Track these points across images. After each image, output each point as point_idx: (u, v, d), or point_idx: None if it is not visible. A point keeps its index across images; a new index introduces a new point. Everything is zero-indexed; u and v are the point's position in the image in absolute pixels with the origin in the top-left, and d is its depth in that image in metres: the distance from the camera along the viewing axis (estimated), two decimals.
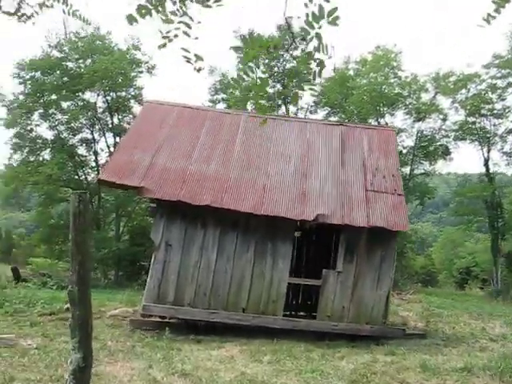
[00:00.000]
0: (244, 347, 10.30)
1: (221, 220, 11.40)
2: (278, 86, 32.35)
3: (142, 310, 11.26)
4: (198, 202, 11.13)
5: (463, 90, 28.96)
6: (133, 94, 27.49)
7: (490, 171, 29.36)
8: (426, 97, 31.16)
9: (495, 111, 28.33)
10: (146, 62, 27.87)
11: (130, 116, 27.98)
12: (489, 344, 12.42)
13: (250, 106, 29.75)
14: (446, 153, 31.22)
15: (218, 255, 11.35)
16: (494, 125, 28.96)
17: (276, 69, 32.13)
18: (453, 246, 47.48)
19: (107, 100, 27.26)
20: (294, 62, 31.62)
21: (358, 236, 11.63)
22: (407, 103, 30.95)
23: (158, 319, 11.54)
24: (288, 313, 13.05)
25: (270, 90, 32.01)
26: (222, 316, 11.17)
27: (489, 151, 29.23)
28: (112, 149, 27.72)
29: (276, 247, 11.49)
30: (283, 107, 31.75)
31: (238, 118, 13.48)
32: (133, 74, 27.12)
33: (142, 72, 27.86)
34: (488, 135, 28.94)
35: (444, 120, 31.44)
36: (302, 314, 13.95)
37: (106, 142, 29.20)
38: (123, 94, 27.43)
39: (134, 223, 28.88)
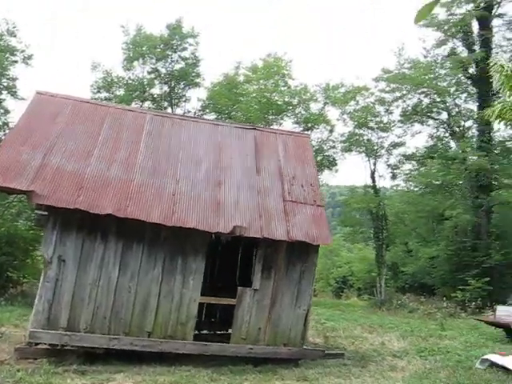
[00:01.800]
0: (138, 379, 8.86)
1: (124, 232, 9.87)
2: (165, 87, 30.79)
3: (28, 337, 9.40)
4: (98, 211, 9.52)
5: (352, 102, 29.52)
6: (5, 84, 24.52)
7: (376, 183, 30.18)
8: (315, 107, 31.37)
9: (381, 124, 29.13)
10: (23, 51, 25.05)
11: (1, 110, 24.97)
12: (395, 361, 12.17)
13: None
14: (332, 164, 31.59)
15: (120, 272, 9.80)
16: (380, 138, 29.78)
17: (163, 70, 30.58)
18: (330, 256, 48.64)
19: None
20: (183, 62, 30.44)
21: (276, 250, 10.69)
22: (296, 112, 30.89)
23: (49, 346, 9.68)
24: (204, 331, 11.95)
25: (157, 92, 30.55)
26: (124, 342, 9.63)
27: (375, 163, 30.04)
28: None
29: (187, 263, 10.19)
30: (169, 109, 30.30)
31: (143, 117, 11.99)
32: (6, 62, 24.22)
33: (16, 62, 24.98)
34: (375, 147, 29.70)
35: (331, 131, 31.86)
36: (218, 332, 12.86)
37: None
38: None
39: (2, 229, 25.77)
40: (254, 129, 13.07)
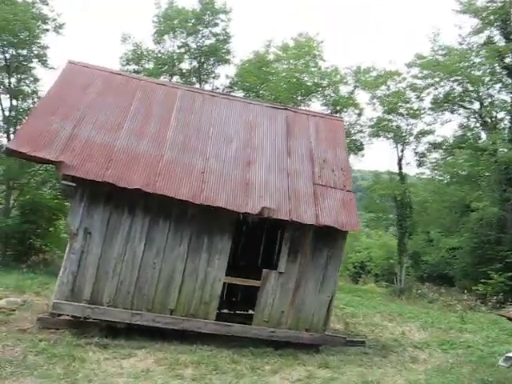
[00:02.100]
0: (160, 356, 8.84)
1: (151, 207, 9.77)
2: (195, 62, 30.51)
3: (51, 308, 9.39)
4: (126, 185, 9.41)
5: (383, 87, 28.97)
6: (36, 53, 24.41)
7: (402, 170, 29.72)
8: (344, 90, 30.87)
9: (411, 111, 28.58)
10: (54, 20, 24.85)
11: (31, 78, 24.94)
12: (416, 353, 12.00)
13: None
14: (359, 148, 31.18)
15: (145, 247, 9.73)
16: (409, 124, 29.26)
17: (193, 45, 30.24)
18: (350, 241, 48.32)
19: (5, 57, 23.99)
20: (214, 38, 30.07)
21: (303, 234, 10.51)
22: (325, 94, 30.43)
23: (71, 318, 9.67)
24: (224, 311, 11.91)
25: (186, 67, 30.28)
26: (146, 318, 9.59)
27: (403, 150, 29.55)
28: (6, 113, 24.54)
29: (213, 242, 10.07)
30: (197, 85, 30.02)
31: (174, 92, 11.80)
32: (37, 30, 24.09)
33: (48, 30, 24.81)
34: (403, 134, 29.20)
35: (359, 115, 31.40)
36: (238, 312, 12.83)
37: (1, 104, 25.89)
38: (25, 52, 24.25)
39: (27, 197, 25.88)
40: (286, 109, 12.80)
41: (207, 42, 29.97)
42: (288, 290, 10.47)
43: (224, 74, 32.20)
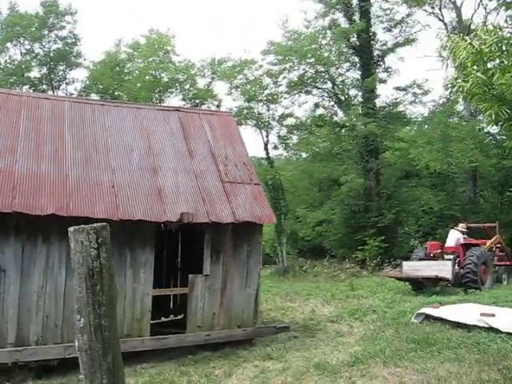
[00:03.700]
0: None
1: (67, 231, 9.11)
2: (44, 69, 28.63)
3: None
4: (39, 212, 8.73)
5: (240, 76, 29.50)
6: None
7: (270, 155, 30.66)
8: (202, 82, 30.96)
9: (270, 97, 29.49)
10: None
11: None
12: (335, 326, 12.67)
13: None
14: None
15: (67, 275, 9.11)
16: (270, 109, 30.19)
17: (40, 51, 28.36)
18: None
19: None
20: (61, 42, 28.46)
21: (223, 233, 10.54)
22: (184, 88, 30.30)
23: None
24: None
25: (36, 74, 28.36)
26: None
27: (267, 135, 30.45)
28: None
29: (135, 256, 9.72)
30: (50, 92, 28.27)
31: (61, 105, 11.07)
32: None
33: None
34: (266, 120, 30.07)
35: (218, 106, 31.71)
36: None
37: None
38: None
39: None
40: (177, 110, 12.65)
41: (55, 47, 28.29)
42: (216, 291, 10.46)
43: (77, 78, 30.67)
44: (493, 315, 10.71)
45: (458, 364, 8.53)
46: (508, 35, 6.65)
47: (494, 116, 6.56)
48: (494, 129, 27.56)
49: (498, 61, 6.92)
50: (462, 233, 18.59)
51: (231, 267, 10.59)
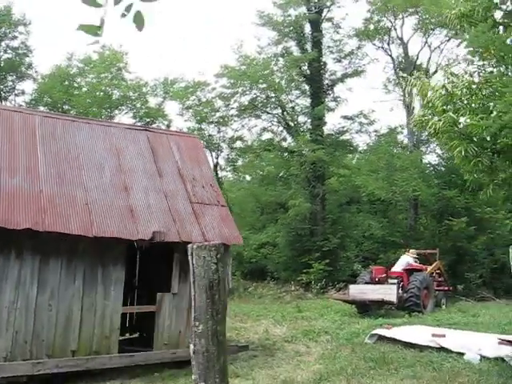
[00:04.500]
0: None
1: (40, 247, 9.13)
2: None
3: None
4: (15, 226, 8.69)
5: (193, 97, 29.80)
6: None
7: (219, 176, 30.93)
8: (154, 101, 31.02)
9: (221, 119, 29.91)
10: None
11: None
12: (292, 346, 13.03)
13: None
14: None
15: (38, 290, 9.06)
16: (221, 131, 30.58)
17: None
18: None
19: None
20: (12, 52, 27.88)
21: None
22: (136, 106, 30.27)
23: None
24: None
25: None
26: (49, 366, 8.96)
27: (217, 157, 30.79)
28: None
29: (107, 273, 9.78)
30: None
31: (32, 119, 11.02)
32: None
33: None
34: (216, 142, 30.42)
35: (168, 126, 31.78)
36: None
37: None
38: None
39: None
40: (146, 130, 12.83)
41: (5, 57, 27.65)
42: (182, 310, 10.62)
43: (27, 90, 29.99)
44: (443, 336, 11.42)
45: (417, 381, 9.09)
46: (476, 80, 7.35)
47: (463, 153, 7.19)
48: (434, 160, 29.20)
49: (466, 102, 7.59)
50: (414, 258, 19.61)
51: None
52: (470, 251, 24.83)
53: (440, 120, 7.67)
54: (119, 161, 11.32)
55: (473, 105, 7.30)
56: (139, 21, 2.53)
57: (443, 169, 27.77)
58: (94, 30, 2.31)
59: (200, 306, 2.56)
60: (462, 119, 7.56)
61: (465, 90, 7.36)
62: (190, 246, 2.77)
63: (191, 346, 2.73)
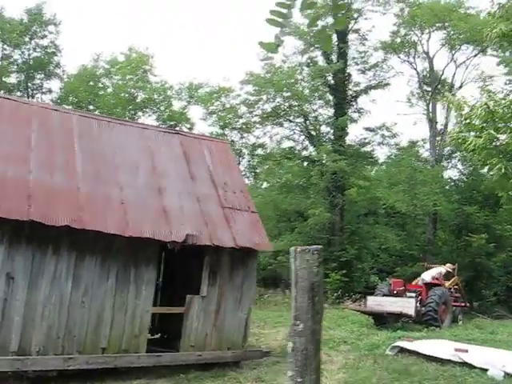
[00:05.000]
0: None
1: (76, 244, 9.29)
2: (22, 76, 28.35)
3: None
4: (54, 222, 8.85)
5: (217, 102, 30.05)
6: None
7: None
8: (178, 105, 31.30)
9: (244, 126, 30.11)
10: None
11: None
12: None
13: None
14: None
15: (72, 286, 9.22)
16: (243, 138, 30.80)
17: (19, 57, 28.10)
18: None
19: None
20: (42, 51, 28.31)
21: (221, 257, 10.88)
22: (161, 109, 30.57)
23: None
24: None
25: (13, 80, 28.05)
26: (79, 361, 9.10)
27: (239, 163, 30.85)
28: None
29: (140, 273, 9.92)
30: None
31: (69, 117, 11.24)
32: None
33: None
34: (238, 148, 30.60)
35: (190, 129, 32.02)
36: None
37: None
38: None
39: None
40: (178, 133, 13.00)
41: (34, 55, 28.09)
42: (210, 313, 10.73)
43: (54, 89, 30.38)
44: (466, 351, 11.41)
45: None
46: None
47: (503, 170, 7.25)
48: (455, 175, 29.15)
49: (507, 121, 7.66)
50: (448, 272, 19.77)
51: (226, 290, 10.91)
52: (488, 268, 24.75)
53: (480, 137, 7.73)
54: (153, 163, 11.48)
55: None
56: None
57: (463, 184, 27.74)
58: (272, 47, 2.57)
59: (301, 306, 2.67)
60: (502, 137, 7.63)
61: (506, 108, 7.43)
62: (292, 248, 2.88)
63: (289, 344, 2.84)
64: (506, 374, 10.13)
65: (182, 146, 12.37)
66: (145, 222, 9.93)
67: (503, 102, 7.44)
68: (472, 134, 8.57)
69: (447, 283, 19.98)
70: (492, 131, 7.46)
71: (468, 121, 8.44)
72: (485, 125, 7.87)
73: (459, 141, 8.57)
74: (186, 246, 10.39)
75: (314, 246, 2.83)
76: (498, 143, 7.69)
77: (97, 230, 9.19)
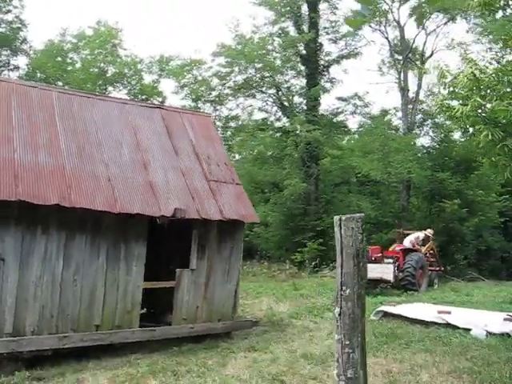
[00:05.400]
0: (108, 375, 8.60)
1: (66, 222, 9.21)
2: None
3: None
4: (43, 201, 8.75)
5: (189, 75, 29.69)
6: None
7: None
8: (149, 78, 30.83)
9: (217, 98, 29.89)
10: None
11: None
12: (300, 322, 13.32)
13: None
14: None
15: (64, 265, 9.17)
16: (216, 110, 30.56)
17: None
18: None
19: None
20: (6, 26, 27.40)
21: (209, 230, 10.94)
22: (132, 83, 30.07)
23: None
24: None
25: None
26: (74, 339, 9.11)
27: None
28: None
29: (130, 249, 9.91)
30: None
31: (49, 94, 11.00)
32: None
33: None
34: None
35: (162, 103, 31.62)
36: None
37: None
38: None
39: None
40: (159, 107, 12.87)
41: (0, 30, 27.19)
42: (200, 286, 10.83)
43: (21, 65, 29.48)
44: (449, 313, 11.83)
45: (430, 355, 9.46)
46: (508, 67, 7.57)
47: (490, 137, 7.44)
48: (427, 143, 29.61)
49: (493, 88, 7.82)
50: (427, 237, 20.31)
51: (215, 263, 11.00)
52: (461, 232, 25.41)
53: (466, 105, 7.89)
54: (136, 138, 11.38)
55: (504, 90, 7.54)
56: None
57: (435, 151, 28.22)
58: (357, 24, 2.61)
59: (347, 273, 2.77)
60: (488, 105, 7.79)
61: (492, 76, 7.58)
62: (336, 217, 2.95)
63: (336, 309, 2.95)
64: (489, 333, 10.55)
65: (163, 120, 12.28)
66: (133, 198, 9.89)
67: (488, 70, 7.57)
68: (455, 102, 8.74)
69: (423, 248, 20.49)
70: (478, 99, 7.61)
71: (451, 89, 8.58)
72: (470, 93, 8.01)
73: (443, 108, 8.72)
74: (174, 220, 10.41)
75: (358, 214, 2.91)
76: (485, 110, 7.86)
77: (86, 207, 9.12)
